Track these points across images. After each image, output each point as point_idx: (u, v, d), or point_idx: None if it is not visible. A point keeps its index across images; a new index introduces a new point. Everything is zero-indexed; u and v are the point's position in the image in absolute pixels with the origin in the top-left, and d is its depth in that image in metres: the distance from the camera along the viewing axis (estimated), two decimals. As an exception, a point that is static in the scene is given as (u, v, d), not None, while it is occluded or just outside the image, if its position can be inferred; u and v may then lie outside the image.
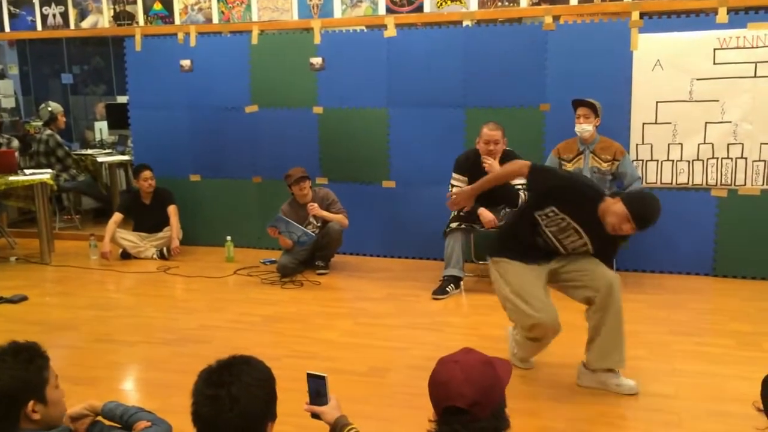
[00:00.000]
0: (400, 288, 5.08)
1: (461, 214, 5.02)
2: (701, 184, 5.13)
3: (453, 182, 5.06)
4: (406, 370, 3.53)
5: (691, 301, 4.65)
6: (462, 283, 5.01)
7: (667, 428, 2.90)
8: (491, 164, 4.82)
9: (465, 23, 5.57)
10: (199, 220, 6.42)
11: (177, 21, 6.32)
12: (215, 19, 6.20)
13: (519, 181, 4.89)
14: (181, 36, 6.24)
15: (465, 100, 5.57)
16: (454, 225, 5.03)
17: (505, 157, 4.91)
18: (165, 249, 6.06)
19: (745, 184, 5.04)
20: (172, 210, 6.13)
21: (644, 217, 3.01)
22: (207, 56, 6.20)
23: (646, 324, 4.15)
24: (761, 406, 1.40)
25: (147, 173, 6.10)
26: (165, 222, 6.13)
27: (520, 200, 4.87)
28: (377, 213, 5.94)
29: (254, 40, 6.03)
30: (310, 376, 2.11)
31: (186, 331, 4.21)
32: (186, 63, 6.26)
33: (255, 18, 6.10)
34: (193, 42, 6.21)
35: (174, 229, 6.07)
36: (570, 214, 3.15)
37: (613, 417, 3.06)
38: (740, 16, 4.89)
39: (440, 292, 4.87)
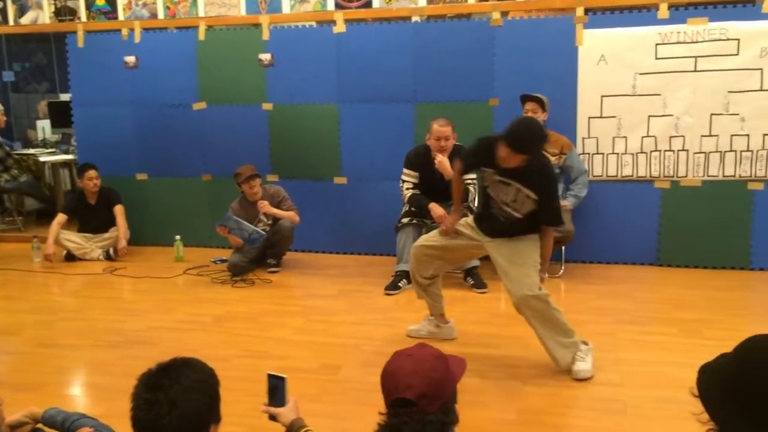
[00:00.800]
0: (352, 284, 5.08)
1: (412, 209, 5.04)
2: (645, 177, 5.25)
3: (404, 178, 5.07)
4: (358, 366, 3.52)
5: (636, 290, 4.76)
6: (414, 278, 5.03)
7: (612, 416, 2.97)
8: (441, 160, 4.85)
9: (414, 19, 5.58)
10: (147, 220, 6.30)
11: (121, 17, 6.18)
12: (160, 15, 6.08)
13: (469, 176, 4.96)
14: (125, 32, 6.10)
15: (415, 95, 5.59)
16: (405, 220, 5.04)
17: (456, 153, 4.93)
18: (111, 250, 5.93)
19: (686, 176, 5.18)
20: (118, 210, 6.00)
21: (513, 137, 3.17)
22: (152, 52, 6.08)
23: (593, 314, 4.24)
24: (697, 393, 1.43)
25: (92, 172, 5.96)
26: (111, 222, 6.00)
27: (470, 195, 4.92)
28: (329, 210, 5.92)
29: (201, 36, 5.94)
30: (270, 376, 2.09)
31: (133, 333, 4.13)
32: (131, 59, 6.13)
33: (201, 13, 6.00)
34: (137, 38, 6.08)
35: (121, 230, 5.94)
36: (491, 168, 3.37)
37: (562, 407, 3.11)
38: (680, 12, 5.02)
39: (393, 287, 4.88)
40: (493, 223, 3.50)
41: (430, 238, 3.77)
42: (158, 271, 5.53)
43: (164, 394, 1.52)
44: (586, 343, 3.42)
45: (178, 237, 5.86)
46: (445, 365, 1.66)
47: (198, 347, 3.80)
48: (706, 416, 1.40)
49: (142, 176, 6.32)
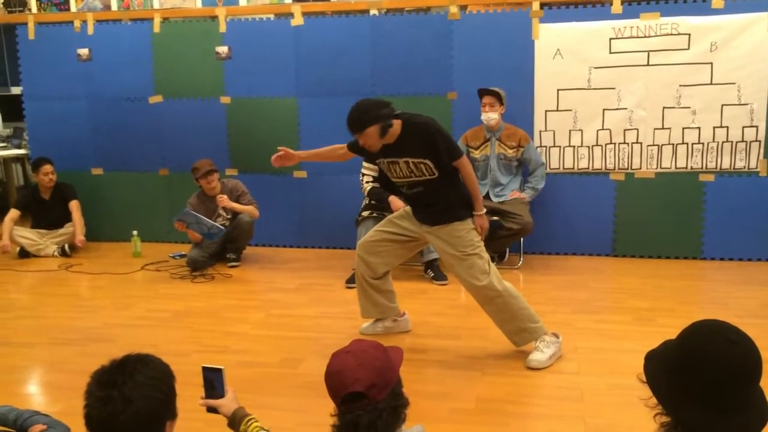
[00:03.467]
0: (313, 278, 5.08)
1: (372, 203, 5.06)
2: (600, 169, 5.35)
3: (363, 171, 5.08)
4: (318, 359, 3.52)
5: (592, 280, 4.85)
6: (375, 271, 5.05)
7: (569, 403, 3.03)
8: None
9: (372, 12, 5.59)
10: (103, 215, 6.19)
11: (73, 8, 6.06)
12: (114, 6, 5.98)
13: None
14: (77, 24, 5.97)
15: (374, 88, 5.59)
16: (365, 213, 5.05)
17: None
18: (67, 246, 5.81)
19: (640, 168, 5.30)
20: (74, 205, 5.88)
21: (348, 123, 3.32)
22: (106, 45, 5.96)
23: (551, 304, 4.31)
24: (645, 379, 1.48)
25: (47, 167, 5.82)
26: (66, 218, 5.88)
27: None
28: (289, 203, 5.89)
29: (156, 29, 5.84)
30: (205, 369, 2.08)
31: (89, 331, 4.06)
32: (84, 52, 6.00)
33: (156, 5, 5.93)
34: (90, 30, 5.96)
35: (78, 225, 5.83)
36: (377, 156, 3.50)
37: (520, 395, 3.16)
38: (633, 7, 5.12)
39: (353, 280, 4.87)
40: (416, 207, 3.56)
41: (370, 235, 3.76)
42: (115, 267, 5.44)
43: (118, 391, 1.50)
44: (556, 336, 3.48)
45: (135, 232, 5.77)
46: (384, 353, 1.69)
47: (157, 343, 3.76)
48: (654, 401, 1.45)
49: (97, 171, 6.21)
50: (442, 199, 3.45)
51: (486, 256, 3.44)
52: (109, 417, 1.49)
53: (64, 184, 5.94)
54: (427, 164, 3.36)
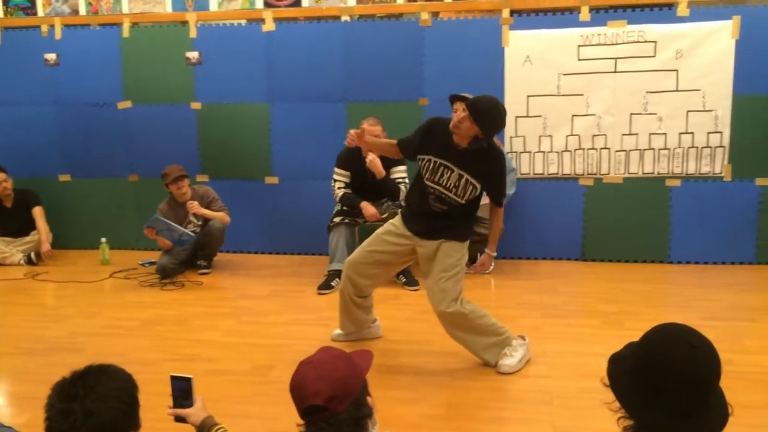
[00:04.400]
0: (284, 284, 5.05)
1: (344, 209, 5.06)
2: (570, 174, 5.42)
3: (335, 177, 5.08)
4: (290, 366, 3.43)
5: (562, 285, 4.90)
6: (347, 277, 5.04)
7: (539, 407, 3.05)
8: (372, 159, 4.87)
9: (344, 18, 5.59)
10: (71, 222, 6.10)
11: (40, 12, 5.97)
12: (82, 11, 5.91)
13: (400, 175, 5.01)
14: (45, 28, 5.89)
15: (346, 94, 5.60)
16: (337, 219, 5.05)
17: (386, 152, 4.98)
18: (33, 254, 5.72)
19: (609, 173, 5.37)
20: (37, 212, 5.79)
21: (476, 102, 3.21)
22: (74, 50, 5.89)
23: (521, 309, 4.34)
24: (608, 382, 1.50)
25: (0, 175, 5.71)
26: (31, 225, 5.79)
27: (401, 194, 4.97)
28: (260, 210, 5.87)
29: (125, 33, 5.79)
30: (174, 378, 2.06)
31: (56, 340, 3.99)
32: (51, 57, 5.92)
33: (125, 10, 5.86)
34: (58, 35, 5.88)
35: (42, 232, 5.74)
36: (434, 153, 3.34)
37: (491, 400, 3.18)
38: (601, 15, 5.19)
39: (325, 286, 4.88)
40: (423, 219, 3.45)
41: (360, 257, 3.60)
42: (83, 275, 5.37)
43: (79, 403, 1.47)
44: (523, 338, 3.50)
45: (103, 240, 5.70)
46: (347, 363, 1.67)
47: (125, 352, 3.72)
48: (617, 404, 1.47)
49: (65, 177, 6.12)
50: (454, 220, 3.43)
51: (462, 283, 3.42)
52: (69, 430, 1.46)
53: (26, 191, 5.84)
54: (475, 188, 3.32)
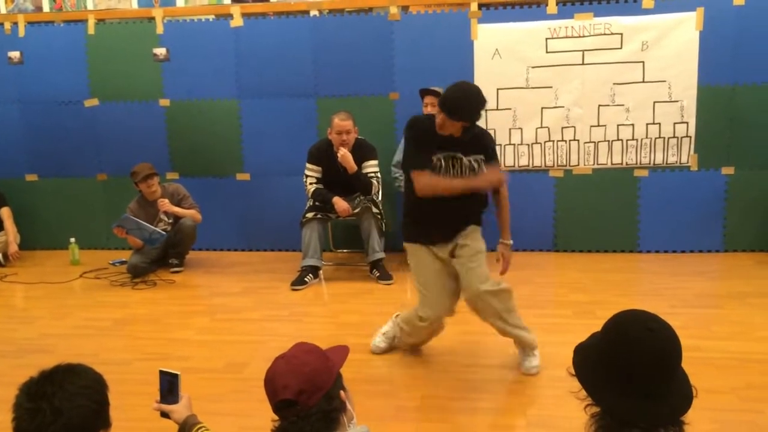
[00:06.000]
0: (258, 281, 5.04)
1: (316, 204, 5.05)
2: (540, 166, 5.47)
3: (307, 173, 5.06)
4: (264, 362, 3.41)
5: (534, 276, 4.95)
6: (320, 272, 5.05)
7: (511, 397, 3.09)
8: (344, 154, 4.87)
9: (313, 13, 5.57)
10: (39, 223, 6.02)
11: (3, 10, 5.86)
12: (46, 8, 5.82)
13: (372, 170, 5.01)
14: (8, 26, 5.78)
15: (316, 90, 5.58)
16: (310, 215, 5.03)
17: (357, 147, 4.98)
18: (1, 255, 5.62)
19: (578, 165, 5.43)
20: (4, 213, 5.69)
21: (445, 99, 3.09)
22: (39, 47, 5.80)
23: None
24: (573, 371, 1.52)
25: None
26: (-1, 226, 5.70)
27: (373, 188, 4.97)
28: (232, 206, 5.83)
29: (91, 30, 5.70)
30: (162, 373, 2.05)
31: (25, 342, 3.94)
32: (15, 55, 5.82)
33: (90, 6, 5.79)
34: (21, 32, 5.78)
35: (10, 233, 5.64)
36: (440, 152, 3.23)
37: (464, 391, 3.20)
38: (568, 8, 5.24)
39: (299, 282, 4.87)
40: (443, 219, 3.31)
41: (438, 300, 3.33)
42: (52, 276, 5.29)
43: (48, 402, 1.46)
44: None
45: (72, 239, 5.62)
46: (318, 357, 1.68)
47: (96, 352, 3.68)
48: (584, 393, 1.49)
49: (31, 177, 6.02)
50: (472, 213, 3.42)
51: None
52: (38, 429, 1.45)
53: (-7, 192, 5.76)
54: (479, 161, 3.27)
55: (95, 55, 5.75)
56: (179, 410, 2.03)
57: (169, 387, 2.05)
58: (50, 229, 6.03)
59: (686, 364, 1.50)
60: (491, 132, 5.34)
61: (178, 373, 2.05)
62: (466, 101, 3.11)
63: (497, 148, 5.38)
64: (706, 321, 3.92)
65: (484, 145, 3.32)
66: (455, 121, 3.11)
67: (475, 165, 3.29)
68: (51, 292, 4.93)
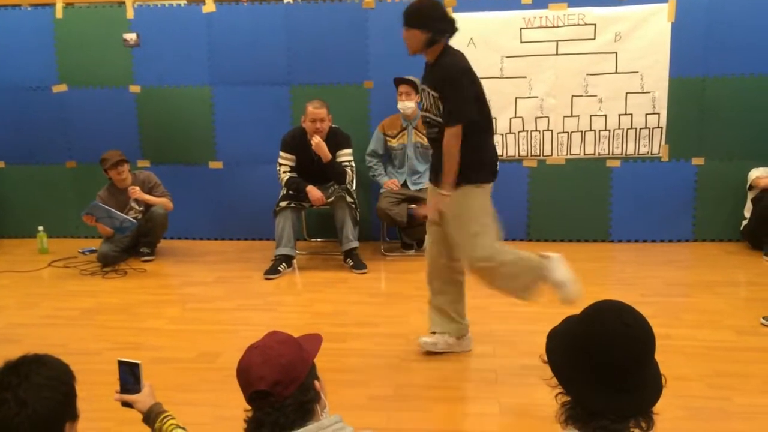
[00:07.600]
0: (231, 270, 5.00)
1: (290, 193, 5.02)
2: (514, 156, 5.49)
3: (281, 161, 5.03)
4: (237, 352, 3.38)
5: (507, 265, 4.96)
6: (294, 261, 5.02)
7: (485, 385, 3.10)
8: (318, 142, 4.84)
9: (286, 0, 5.51)
10: (6, 211, 5.91)
11: (-34, -8, 5.70)
12: (12, -9, 5.66)
13: (346, 158, 4.99)
14: (-28, 8, 5.64)
15: (290, 77, 5.53)
16: (283, 204, 5.00)
17: (332, 135, 4.96)
18: (-34, 244, 5.51)
19: (551, 155, 5.46)
20: (-28, 201, 5.58)
21: (402, 15, 3.10)
22: (4, 31, 5.66)
23: (468, 289, 4.37)
24: (546, 359, 1.53)
25: None
26: (-35, 214, 5.58)
27: (347, 177, 4.95)
28: (205, 195, 5.77)
29: (59, 14, 5.58)
30: (121, 363, 2.02)
31: (-8, 332, 3.87)
32: (-20, 39, 5.67)
33: (58, -10, 5.65)
34: (-13, 15, 5.64)
35: (-24, 222, 5.53)
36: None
37: (438, 380, 3.21)
38: (542, -3, 5.25)
39: (272, 271, 4.84)
40: (434, 161, 3.27)
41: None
42: (20, 264, 5.20)
43: (12, 393, 1.43)
44: (547, 257, 3.41)
45: (41, 228, 5.53)
46: (293, 348, 1.66)
47: (66, 342, 3.63)
48: (555, 381, 1.49)
49: (-2, 164, 5.91)
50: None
51: (490, 234, 3.26)
52: (3, 420, 1.42)
53: (-39, 180, 5.63)
54: (438, 102, 3.07)
55: (63, 40, 5.63)
56: (142, 399, 2.00)
57: (130, 377, 2.01)
58: (18, 217, 5.92)
59: (656, 352, 1.51)
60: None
61: (139, 362, 2.02)
62: (420, 6, 3.08)
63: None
64: (675, 309, 3.97)
65: (440, 78, 3.07)
66: (409, 29, 3.07)
67: (433, 98, 3.09)
68: (18, 281, 4.84)
